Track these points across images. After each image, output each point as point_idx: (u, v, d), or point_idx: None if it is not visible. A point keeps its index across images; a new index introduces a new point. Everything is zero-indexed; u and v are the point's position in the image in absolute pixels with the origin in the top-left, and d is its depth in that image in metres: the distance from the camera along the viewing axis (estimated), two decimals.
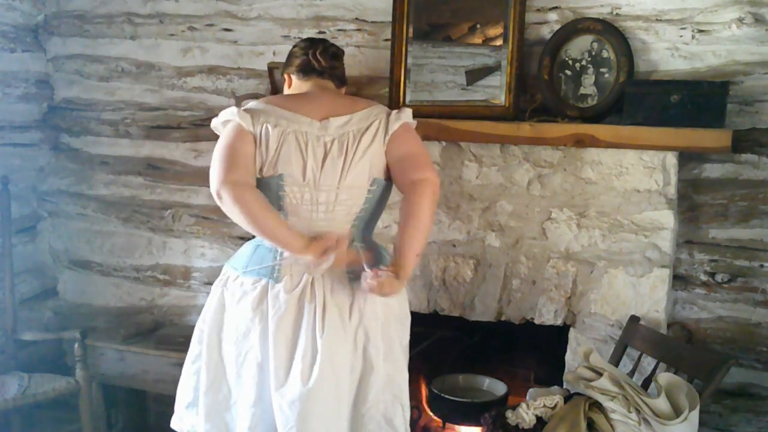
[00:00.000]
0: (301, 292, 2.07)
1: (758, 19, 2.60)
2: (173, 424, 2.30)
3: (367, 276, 1.99)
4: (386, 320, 2.15)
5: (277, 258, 2.10)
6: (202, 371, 2.17)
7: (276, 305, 2.07)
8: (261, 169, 2.06)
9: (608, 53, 2.72)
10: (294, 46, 2.27)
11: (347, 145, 2.06)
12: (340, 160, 2.06)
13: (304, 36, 3.15)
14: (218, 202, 2.00)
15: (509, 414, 2.43)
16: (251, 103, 2.14)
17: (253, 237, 2.20)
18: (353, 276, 2.11)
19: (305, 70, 2.21)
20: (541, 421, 2.39)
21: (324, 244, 2.02)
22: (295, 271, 2.09)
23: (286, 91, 2.29)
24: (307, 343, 2.04)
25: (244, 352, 2.10)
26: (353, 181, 2.08)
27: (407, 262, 2.03)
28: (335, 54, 2.21)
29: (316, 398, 2.01)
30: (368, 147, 2.08)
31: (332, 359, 2.03)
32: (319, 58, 2.18)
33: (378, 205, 2.20)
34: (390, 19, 2.94)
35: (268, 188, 2.08)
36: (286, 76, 2.28)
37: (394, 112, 2.15)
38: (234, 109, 2.08)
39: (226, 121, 2.09)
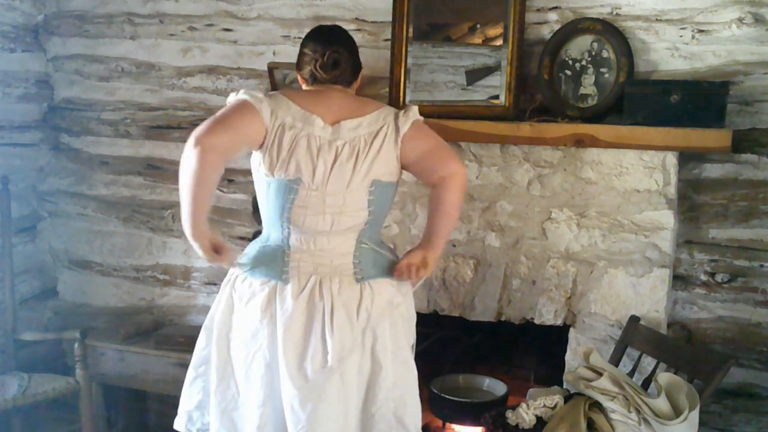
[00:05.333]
0: (309, 293, 2.09)
1: (758, 19, 2.60)
2: (177, 425, 2.30)
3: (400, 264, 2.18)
4: (393, 320, 2.16)
5: (285, 259, 2.12)
6: (211, 371, 2.18)
7: (284, 307, 2.08)
8: (272, 169, 2.07)
9: (608, 53, 2.72)
10: (303, 45, 2.21)
11: (358, 150, 2.08)
12: (350, 164, 2.07)
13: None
14: (187, 148, 1.97)
15: (509, 414, 2.43)
16: (272, 93, 2.15)
17: (256, 236, 2.21)
18: (360, 277, 2.13)
19: (312, 79, 2.19)
20: (541, 421, 2.39)
21: (209, 251, 2.04)
22: (303, 272, 2.11)
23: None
24: (316, 344, 2.06)
25: (252, 352, 2.11)
26: (359, 186, 2.10)
27: (438, 245, 2.21)
28: (335, 62, 2.15)
29: (326, 398, 2.03)
30: (378, 151, 2.09)
31: (341, 360, 2.05)
32: (320, 72, 2.15)
33: (385, 207, 2.22)
34: (390, 19, 2.94)
35: (279, 189, 2.09)
36: (299, 77, 2.26)
37: (401, 112, 2.15)
38: (260, 95, 2.07)
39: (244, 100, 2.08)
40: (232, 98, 2.11)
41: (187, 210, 2.02)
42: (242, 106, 2.05)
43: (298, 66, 2.22)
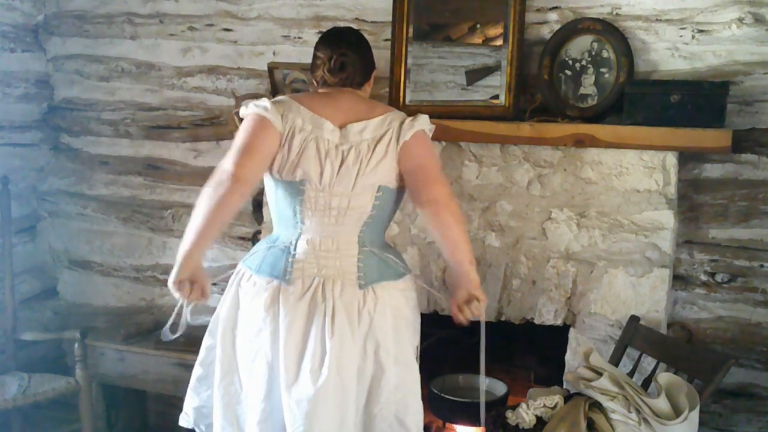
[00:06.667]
0: (312, 295, 2.10)
1: (758, 19, 2.60)
2: (182, 422, 2.32)
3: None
4: (396, 324, 2.16)
5: (290, 260, 2.13)
6: (216, 365, 2.21)
7: (287, 307, 2.09)
8: (281, 171, 2.10)
9: (608, 53, 2.72)
10: (315, 49, 2.23)
11: (362, 154, 2.09)
12: (355, 168, 2.09)
13: (304, 36, 3.17)
14: (218, 176, 2.02)
15: (509, 414, 2.43)
16: (281, 98, 2.18)
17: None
18: (364, 282, 2.13)
19: (322, 81, 2.22)
20: (541, 421, 2.39)
21: (187, 290, 2.11)
22: (307, 274, 2.12)
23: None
24: (316, 346, 2.07)
25: (255, 349, 2.14)
26: (363, 189, 2.11)
27: (470, 271, 2.09)
28: (342, 65, 2.16)
29: (323, 399, 2.04)
30: (382, 157, 2.10)
31: (340, 362, 2.06)
32: (328, 75, 2.17)
33: (388, 211, 2.22)
34: (390, 19, 2.94)
35: (287, 191, 2.12)
36: (313, 80, 2.28)
37: (408, 119, 2.15)
38: (267, 104, 2.09)
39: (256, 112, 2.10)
40: (244, 112, 2.14)
41: (185, 241, 2.05)
42: (258, 124, 2.08)
43: (312, 69, 2.25)
